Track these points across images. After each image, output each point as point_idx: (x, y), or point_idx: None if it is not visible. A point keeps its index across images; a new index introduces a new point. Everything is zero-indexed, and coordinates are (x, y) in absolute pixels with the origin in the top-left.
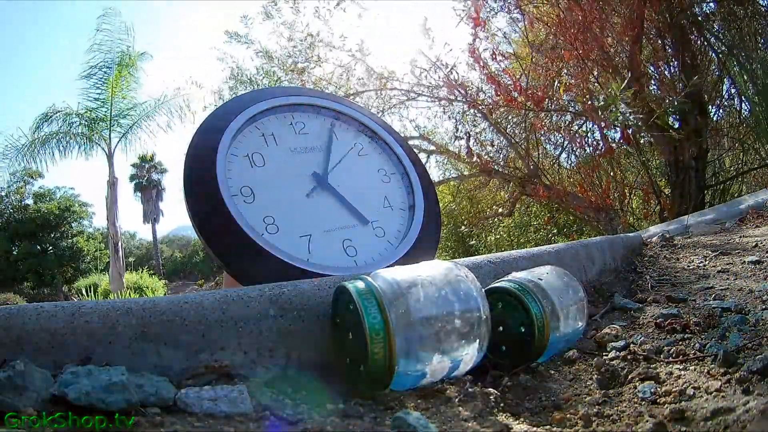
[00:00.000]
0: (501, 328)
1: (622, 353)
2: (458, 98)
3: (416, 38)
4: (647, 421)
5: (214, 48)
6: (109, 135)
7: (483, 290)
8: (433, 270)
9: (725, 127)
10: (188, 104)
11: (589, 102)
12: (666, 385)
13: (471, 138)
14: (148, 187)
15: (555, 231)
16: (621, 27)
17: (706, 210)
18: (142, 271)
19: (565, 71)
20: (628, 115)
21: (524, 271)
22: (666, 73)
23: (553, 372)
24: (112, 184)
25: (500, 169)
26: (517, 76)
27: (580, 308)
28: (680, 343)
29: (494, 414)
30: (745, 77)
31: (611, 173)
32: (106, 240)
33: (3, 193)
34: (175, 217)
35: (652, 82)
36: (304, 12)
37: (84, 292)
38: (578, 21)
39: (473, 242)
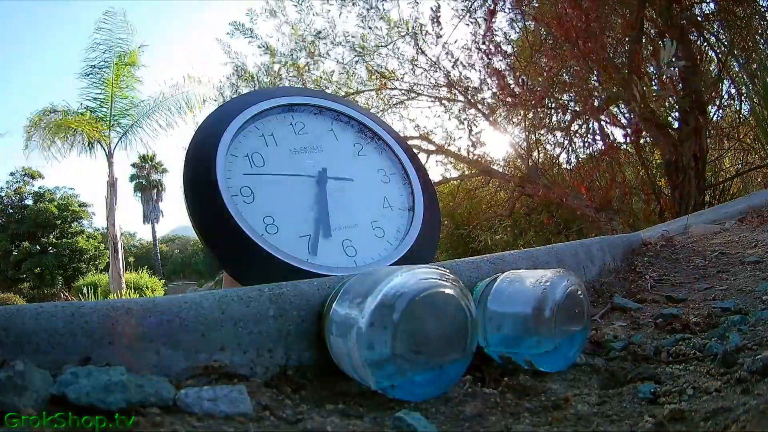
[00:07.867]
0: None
1: (622, 353)
2: (458, 98)
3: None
4: (647, 421)
5: (218, 40)
6: (109, 135)
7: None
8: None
9: (725, 127)
10: (188, 102)
11: (590, 101)
12: (666, 385)
13: (471, 133)
14: (148, 187)
15: (555, 231)
16: (621, 27)
17: (706, 210)
18: (141, 271)
19: (565, 71)
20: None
21: (524, 270)
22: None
23: (553, 372)
24: (112, 184)
25: (500, 169)
26: (518, 74)
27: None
28: (680, 343)
29: (494, 414)
30: (745, 77)
31: (611, 173)
32: (105, 240)
33: (2, 194)
34: (175, 217)
35: (653, 82)
36: (307, 10)
37: (84, 292)
38: (579, 20)
39: (473, 243)
